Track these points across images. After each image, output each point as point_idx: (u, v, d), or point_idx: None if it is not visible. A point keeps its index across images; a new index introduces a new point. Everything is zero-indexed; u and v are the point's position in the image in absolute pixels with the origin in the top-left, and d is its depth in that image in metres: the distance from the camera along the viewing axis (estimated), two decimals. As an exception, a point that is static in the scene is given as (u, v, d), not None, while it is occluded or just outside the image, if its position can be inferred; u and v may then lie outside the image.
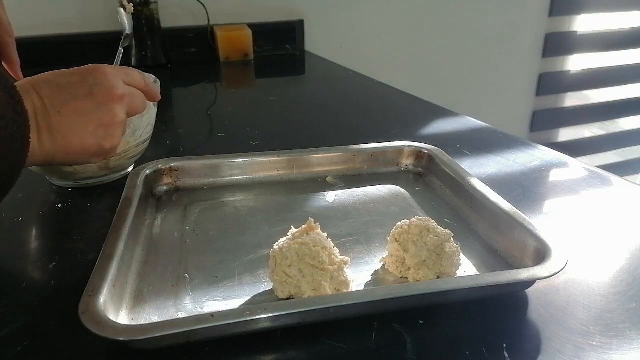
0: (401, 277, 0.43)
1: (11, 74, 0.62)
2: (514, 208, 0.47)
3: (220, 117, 0.92)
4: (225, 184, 0.59)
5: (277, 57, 1.41)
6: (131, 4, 0.62)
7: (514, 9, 1.70)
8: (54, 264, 0.45)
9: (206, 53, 1.34)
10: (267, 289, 0.41)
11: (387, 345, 0.36)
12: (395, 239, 0.43)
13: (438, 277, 0.42)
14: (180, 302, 0.40)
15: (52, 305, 0.40)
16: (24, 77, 0.52)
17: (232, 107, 0.99)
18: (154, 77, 0.61)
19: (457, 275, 0.42)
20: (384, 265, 0.45)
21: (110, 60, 0.56)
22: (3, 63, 0.63)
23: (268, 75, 1.29)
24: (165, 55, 1.27)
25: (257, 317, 0.34)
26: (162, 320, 0.37)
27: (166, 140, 0.76)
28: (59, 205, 0.56)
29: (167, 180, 0.58)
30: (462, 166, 0.58)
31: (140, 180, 0.54)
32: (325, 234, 0.42)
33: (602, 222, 0.53)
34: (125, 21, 0.60)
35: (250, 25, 1.35)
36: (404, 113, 0.93)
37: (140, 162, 0.59)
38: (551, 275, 0.38)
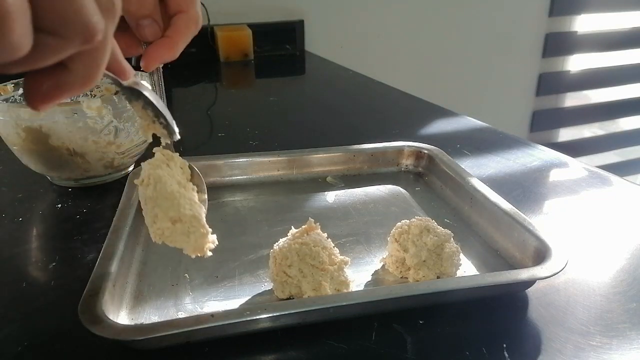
0: (401, 277, 0.43)
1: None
2: (514, 208, 0.47)
3: (220, 117, 0.92)
4: (225, 184, 0.59)
5: (277, 57, 1.41)
6: None
7: (514, 9, 1.70)
8: (54, 264, 0.45)
9: (206, 53, 1.34)
10: (267, 289, 0.41)
11: (387, 345, 0.36)
12: (395, 239, 0.43)
13: (438, 277, 0.42)
14: (180, 302, 0.40)
15: (52, 305, 0.40)
16: None
17: (232, 107, 0.99)
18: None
19: (457, 275, 0.42)
20: (384, 265, 0.45)
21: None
22: None
23: (268, 75, 1.29)
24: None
25: (257, 317, 0.34)
26: (162, 320, 0.37)
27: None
28: (59, 205, 0.56)
29: (167, 180, 0.58)
30: (462, 166, 0.58)
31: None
32: (325, 234, 0.42)
33: (602, 222, 0.53)
34: None
35: (250, 25, 1.35)
36: (404, 113, 0.93)
37: (140, 162, 0.59)
38: (551, 275, 0.38)
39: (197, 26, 0.37)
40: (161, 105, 0.36)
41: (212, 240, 0.37)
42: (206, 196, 0.41)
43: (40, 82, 0.23)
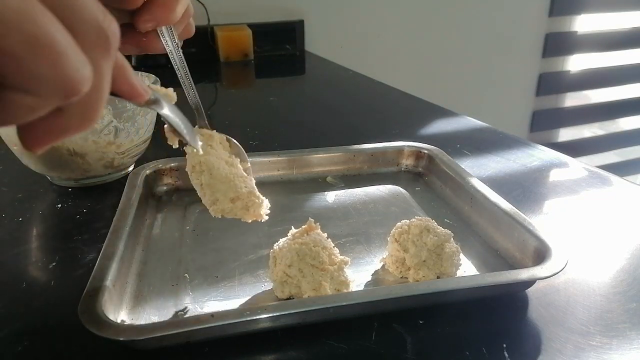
0: (401, 277, 0.43)
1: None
2: (514, 208, 0.47)
3: (220, 117, 0.92)
4: (225, 184, 0.59)
5: (277, 57, 1.41)
6: None
7: (514, 9, 1.70)
8: (54, 264, 0.45)
9: (206, 53, 1.34)
10: (267, 289, 0.41)
11: (387, 345, 0.36)
12: (395, 239, 0.43)
13: (438, 277, 0.42)
14: (180, 302, 0.40)
15: (52, 305, 0.40)
16: None
17: (232, 107, 0.99)
18: (154, 77, 0.61)
19: (457, 275, 0.42)
20: (384, 265, 0.45)
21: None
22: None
23: (268, 75, 1.29)
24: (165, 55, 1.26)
25: (257, 317, 0.34)
26: (162, 320, 0.37)
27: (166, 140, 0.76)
28: (59, 205, 0.56)
29: (167, 180, 0.58)
30: (462, 166, 0.58)
31: (140, 180, 0.54)
32: (325, 234, 0.42)
33: (602, 222, 0.53)
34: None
35: (250, 25, 1.35)
36: (404, 113, 0.93)
37: (140, 162, 0.59)
38: (551, 275, 0.38)
39: None
40: (181, 119, 0.35)
41: (267, 204, 0.40)
42: (249, 164, 0.43)
43: (33, 126, 0.20)
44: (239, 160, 0.42)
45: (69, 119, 0.20)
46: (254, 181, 0.41)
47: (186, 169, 0.39)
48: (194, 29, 0.40)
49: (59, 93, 0.18)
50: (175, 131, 0.36)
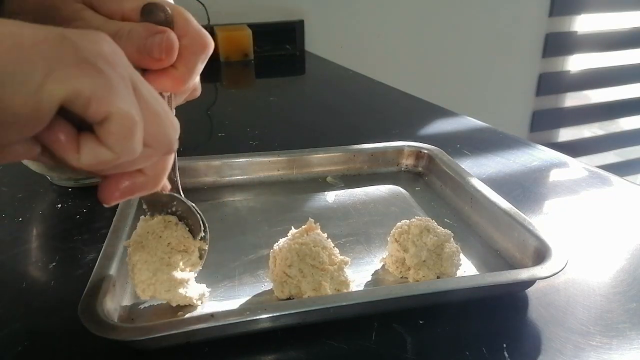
0: (401, 277, 0.43)
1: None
2: (514, 208, 0.47)
3: (220, 117, 0.92)
4: (225, 184, 0.59)
5: (277, 57, 1.41)
6: None
7: (514, 9, 1.70)
8: (54, 264, 0.45)
9: (206, 53, 1.34)
10: (267, 289, 0.41)
11: (387, 345, 0.36)
12: (395, 239, 0.43)
13: (438, 277, 0.42)
14: (180, 302, 0.40)
15: (52, 305, 0.40)
16: None
17: (232, 107, 0.99)
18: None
19: (457, 275, 0.42)
20: (384, 265, 0.45)
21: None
22: None
23: (268, 75, 1.29)
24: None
25: (257, 317, 0.34)
26: (162, 320, 0.37)
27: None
28: (59, 205, 0.56)
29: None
30: (462, 166, 0.58)
31: (140, 180, 0.53)
32: (325, 234, 0.42)
33: (602, 222, 0.53)
34: None
35: (250, 25, 1.35)
36: (404, 113, 0.93)
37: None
38: (551, 275, 0.38)
39: (205, 45, 0.32)
40: (189, 205, 0.38)
41: (202, 294, 0.39)
42: (207, 246, 0.40)
43: (119, 183, 0.26)
44: (191, 236, 0.39)
45: (146, 177, 0.27)
46: (192, 275, 0.38)
47: (124, 243, 0.38)
48: (200, 90, 0.37)
49: (165, 149, 0.26)
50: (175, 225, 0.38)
